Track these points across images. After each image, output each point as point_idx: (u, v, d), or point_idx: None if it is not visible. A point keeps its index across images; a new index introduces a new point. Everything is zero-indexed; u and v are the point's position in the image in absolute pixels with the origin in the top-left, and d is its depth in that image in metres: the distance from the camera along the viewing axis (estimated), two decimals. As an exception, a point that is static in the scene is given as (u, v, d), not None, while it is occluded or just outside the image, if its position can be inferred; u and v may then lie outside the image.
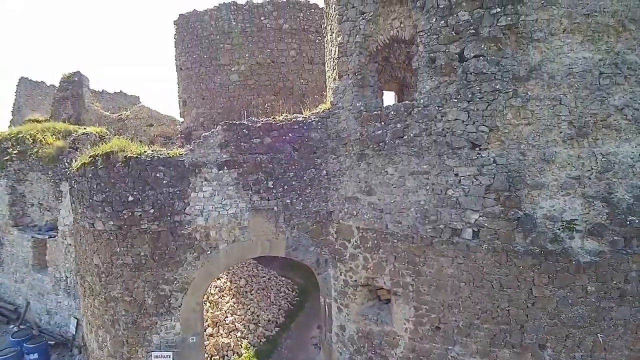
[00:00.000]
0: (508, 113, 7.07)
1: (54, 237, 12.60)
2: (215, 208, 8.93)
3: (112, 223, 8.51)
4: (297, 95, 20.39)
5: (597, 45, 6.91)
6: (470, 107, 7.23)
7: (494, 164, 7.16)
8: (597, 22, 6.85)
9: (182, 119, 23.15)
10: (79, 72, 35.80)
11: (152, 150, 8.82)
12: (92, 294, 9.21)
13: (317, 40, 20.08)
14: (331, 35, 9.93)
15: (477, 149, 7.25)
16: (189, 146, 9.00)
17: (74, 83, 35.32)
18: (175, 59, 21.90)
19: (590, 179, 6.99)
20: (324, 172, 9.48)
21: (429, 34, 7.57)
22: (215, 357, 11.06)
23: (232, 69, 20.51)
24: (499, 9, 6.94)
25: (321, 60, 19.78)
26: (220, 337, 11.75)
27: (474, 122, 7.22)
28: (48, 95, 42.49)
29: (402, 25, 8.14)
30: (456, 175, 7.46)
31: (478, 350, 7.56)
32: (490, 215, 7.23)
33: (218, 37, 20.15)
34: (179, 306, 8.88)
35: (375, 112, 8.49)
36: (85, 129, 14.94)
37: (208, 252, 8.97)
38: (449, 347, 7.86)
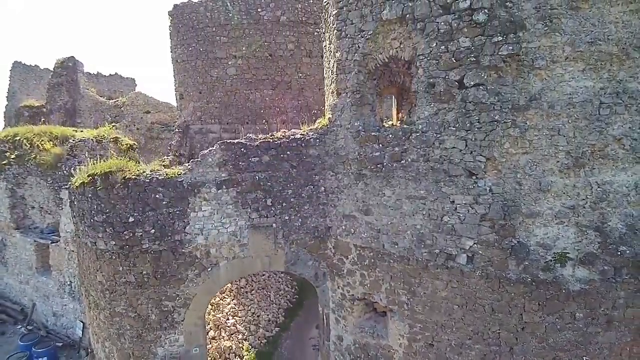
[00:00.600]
0: (506, 142, 7.09)
1: (57, 241, 12.80)
2: (214, 226, 9.07)
3: (113, 243, 8.67)
4: (295, 89, 20.17)
5: (599, 73, 6.86)
6: (468, 136, 7.25)
7: (490, 193, 7.26)
8: (600, 51, 6.78)
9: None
10: (73, 57, 35.11)
11: (150, 171, 8.85)
12: (97, 308, 9.49)
13: (315, 33, 19.64)
14: (330, 45, 9.78)
15: (474, 177, 7.32)
16: (187, 165, 9.03)
17: (68, 68, 34.75)
18: (171, 51, 21.49)
19: (584, 208, 7.11)
20: (322, 188, 9.56)
21: (428, 58, 7.48)
22: (218, 361, 11.51)
23: (229, 63, 20.17)
24: (500, 37, 6.84)
25: (320, 53, 19.42)
26: (222, 340, 12.17)
27: (471, 152, 7.26)
28: (42, 79, 41.84)
29: (401, 46, 8.01)
30: (452, 202, 7.56)
31: (469, 367, 7.90)
32: (485, 243, 7.39)
33: (214, 29, 19.70)
34: (182, 320, 9.18)
35: (373, 134, 8.49)
36: (82, 131, 14.90)
37: (209, 269, 9.18)
38: (442, 364, 8.21)
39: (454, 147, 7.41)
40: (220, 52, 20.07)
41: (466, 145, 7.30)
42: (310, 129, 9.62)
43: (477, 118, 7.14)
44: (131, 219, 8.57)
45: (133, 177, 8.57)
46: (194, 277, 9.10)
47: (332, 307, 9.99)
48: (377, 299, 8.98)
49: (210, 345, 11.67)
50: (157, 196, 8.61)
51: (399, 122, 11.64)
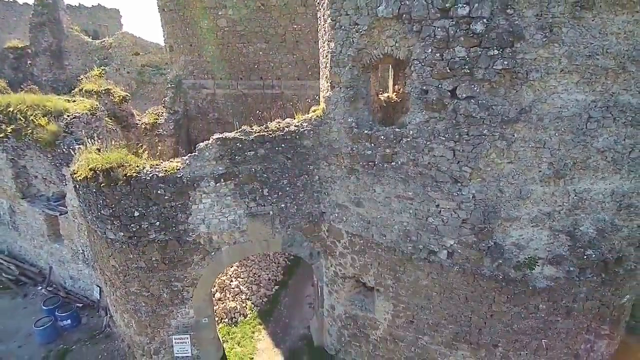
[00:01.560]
0: (492, 154, 7.39)
1: (65, 212, 13.44)
2: (215, 216, 9.65)
3: (122, 234, 9.31)
4: (290, 42, 19.35)
5: (593, 86, 6.92)
6: (457, 147, 7.50)
7: (473, 200, 7.74)
8: (596, 65, 6.75)
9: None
10: (51, -7, 32.75)
11: (150, 166, 9.14)
12: (113, 286, 10.46)
13: (310, -20, 18.28)
14: (324, 25, 9.41)
15: (459, 184, 7.74)
16: (185, 159, 9.30)
17: (49, 6, 32.61)
18: (157, -2, 20.11)
19: (560, 214, 7.66)
20: (316, 177, 9.96)
21: (423, 64, 7.42)
22: (225, 320, 12.91)
23: (219, 13, 19.05)
24: (496, 51, 6.76)
25: (315, 1, 18.29)
26: (227, 301, 13.50)
27: (458, 162, 7.58)
28: (23, 15, 39.29)
29: (397, 45, 7.83)
30: (437, 206, 8.07)
31: (442, 342, 9.11)
32: (464, 244, 8.06)
33: (201, -25, 18.28)
34: (191, 297, 10.21)
35: (366, 132, 8.66)
36: (74, 100, 14.70)
37: (212, 254, 9.97)
38: (419, 337, 9.42)
39: (442, 156, 7.70)
40: (209, 0, 18.85)
41: (454, 155, 7.59)
42: (305, 120, 9.72)
43: (466, 130, 7.33)
44: (136, 213, 9.10)
45: (134, 174, 8.90)
46: (199, 260, 9.92)
47: (325, 281, 11.01)
48: (366, 280, 9.93)
49: (217, 307, 13.00)
50: (159, 192, 9.03)
51: (394, 94, 11.65)
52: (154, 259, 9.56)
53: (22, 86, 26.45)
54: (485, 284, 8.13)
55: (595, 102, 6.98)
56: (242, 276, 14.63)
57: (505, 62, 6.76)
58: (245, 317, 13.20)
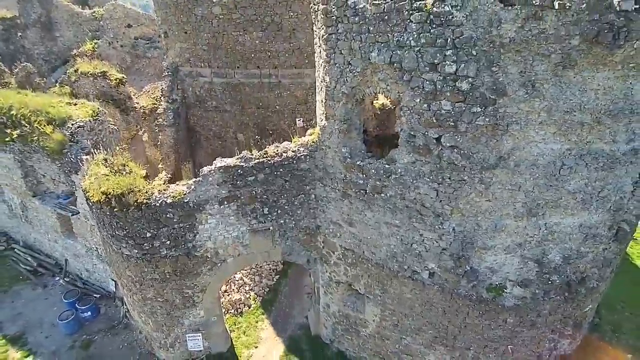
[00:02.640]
0: (472, 194, 8.15)
1: (77, 213, 14.30)
2: (220, 233, 10.55)
3: (136, 251, 10.25)
4: (286, 31, 19.16)
5: (568, 137, 7.44)
6: (440, 188, 8.25)
7: (453, 232, 8.62)
8: (573, 120, 7.25)
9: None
10: (35, -39, 31.50)
11: (159, 192, 9.87)
12: (130, 291, 11.59)
13: (306, -34, 17.77)
14: (320, 50, 9.65)
15: (440, 219, 8.58)
16: (190, 183, 10.00)
17: (33, -25, 31.43)
18: (148, -17, 19.54)
19: (530, 244, 8.59)
20: (313, 196, 10.75)
21: (411, 111, 7.96)
22: (231, 311, 14.27)
23: (214, 0, 18.66)
24: (479, 109, 7.28)
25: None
26: (232, 293, 14.80)
27: (440, 200, 8.36)
28: (8, -17, 37.64)
29: (388, 88, 8.31)
30: (421, 235, 8.97)
31: (423, 343, 10.44)
32: (443, 268, 9.06)
33: (193, -40, 17.73)
34: (201, 301, 11.39)
35: (358, 164, 9.33)
36: (75, 103, 14.99)
37: (218, 265, 11.00)
38: (403, 337, 10.74)
39: (426, 194, 8.47)
40: (203, -13, 18.43)
41: (437, 195, 8.35)
42: (301, 144, 10.32)
43: (449, 175, 8.04)
44: (148, 234, 9.98)
45: (144, 200, 9.66)
46: (207, 271, 10.98)
47: (321, 283, 12.18)
48: (357, 287, 11.06)
49: (223, 299, 14.30)
50: (168, 216, 9.86)
51: (389, 100, 12.07)
52: (166, 271, 10.59)
53: (15, 64, 26.25)
54: (461, 301, 9.24)
55: (570, 150, 7.59)
56: (245, 268, 15.84)
57: (487, 119, 7.32)
58: (249, 308, 14.57)
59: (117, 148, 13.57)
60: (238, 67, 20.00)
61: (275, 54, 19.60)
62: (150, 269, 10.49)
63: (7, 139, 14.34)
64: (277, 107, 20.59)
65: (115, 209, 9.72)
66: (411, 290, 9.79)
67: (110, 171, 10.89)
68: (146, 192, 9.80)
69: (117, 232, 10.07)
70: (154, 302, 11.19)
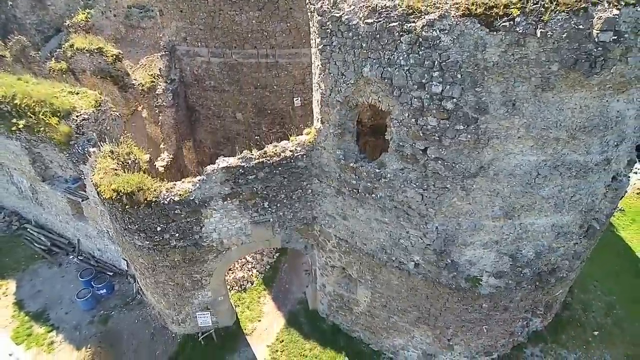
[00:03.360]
0: (454, 198, 8.95)
1: (86, 198, 15.09)
2: (224, 226, 11.43)
3: (147, 243, 11.18)
4: (283, 10, 19.00)
5: (545, 150, 8.08)
6: (425, 193, 9.03)
7: (436, 231, 9.51)
8: (549, 136, 7.88)
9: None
10: None
11: (166, 190, 10.62)
12: (142, 275, 12.67)
13: (303, -56, 17.33)
14: (315, 59, 10.09)
15: (425, 219, 9.43)
16: (195, 181, 10.72)
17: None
18: (141, -41, 19.05)
19: (506, 241, 9.52)
20: (310, 190, 11.53)
21: (400, 124, 8.56)
22: (236, 288, 15.52)
23: (209, -22, 18.33)
24: (462, 126, 7.88)
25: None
26: (236, 271, 15.99)
27: (425, 204, 9.18)
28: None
29: (380, 99, 8.84)
30: (407, 232, 9.87)
31: (408, 321, 11.70)
32: (427, 261, 10.05)
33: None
34: (209, 283, 12.51)
35: (351, 165, 10.02)
36: (77, 93, 15.26)
37: (223, 252, 11.99)
38: (391, 316, 11.99)
39: (412, 198, 9.26)
40: (197, -36, 18.06)
41: (422, 199, 9.15)
42: (299, 144, 10.93)
43: (433, 183, 8.80)
44: (159, 228, 10.86)
45: (154, 198, 10.44)
46: (213, 258, 11.99)
47: (318, 266, 13.28)
48: (350, 272, 12.15)
49: (228, 277, 15.50)
50: (176, 212, 10.68)
51: None
52: (176, 259, 11.59)
53: (8, 36, 25.90)
54: (442, 288, 10.32)
55: (546, 161, 8.26)
56: (246, 247, 16.93)
57: (469, 136, 7.95)
58: (252, 284, 15.82)
59: (121, 137, 14.14)
60: (235, 47, 20.00)
61: (272, 33, 19.55)
62: (162, 257, 11.48)
63: (13, 129, 14.81)
64: (275, 87, 20.81)
65: (127, 206, 10.51)
66: (398, 277, 10.87)
67: (118, 163, 11.59)
68: (155, 191, 10.55)
69: (129, 226, 10.94)
70: (165, 285, 12.31)
